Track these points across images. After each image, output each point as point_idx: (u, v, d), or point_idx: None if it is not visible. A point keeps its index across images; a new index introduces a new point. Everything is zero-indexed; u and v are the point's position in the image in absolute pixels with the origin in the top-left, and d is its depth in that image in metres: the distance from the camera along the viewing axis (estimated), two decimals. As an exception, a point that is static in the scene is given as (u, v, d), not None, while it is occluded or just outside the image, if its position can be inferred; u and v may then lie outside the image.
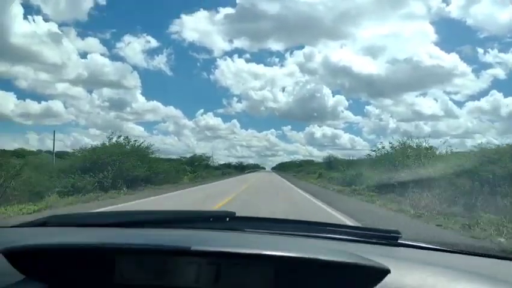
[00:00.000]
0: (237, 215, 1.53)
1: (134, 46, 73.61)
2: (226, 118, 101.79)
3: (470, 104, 67.39)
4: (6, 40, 48.70)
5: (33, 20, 58.96)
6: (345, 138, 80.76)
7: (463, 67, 67.32)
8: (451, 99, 71.87)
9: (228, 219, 1.54)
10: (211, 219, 1.60)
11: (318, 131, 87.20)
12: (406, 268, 0.97)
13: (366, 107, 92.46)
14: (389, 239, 1.39)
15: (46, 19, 75.82)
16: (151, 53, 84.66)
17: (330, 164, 42.94)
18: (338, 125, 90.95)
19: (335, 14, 74.92)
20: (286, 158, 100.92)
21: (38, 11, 73.70)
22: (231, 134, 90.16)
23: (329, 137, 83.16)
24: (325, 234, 1.45)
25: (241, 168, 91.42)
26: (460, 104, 78.95)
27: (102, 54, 74.57)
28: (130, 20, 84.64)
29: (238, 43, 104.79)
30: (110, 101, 75.51)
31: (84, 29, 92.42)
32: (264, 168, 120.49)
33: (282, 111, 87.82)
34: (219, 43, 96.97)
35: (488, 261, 1.31)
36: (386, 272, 0.87)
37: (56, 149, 31.36)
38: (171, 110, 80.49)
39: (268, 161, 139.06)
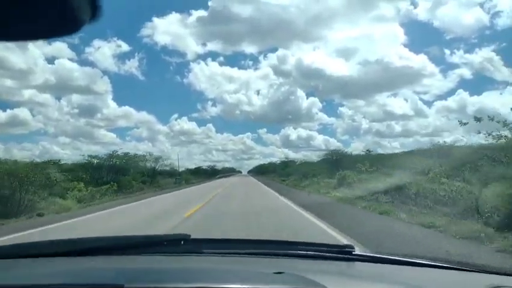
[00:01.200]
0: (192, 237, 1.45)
1: (104, 50, 70.88)
2: (201, 122, 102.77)
3: (439, 104, 69.07)
4: None
5: None
6: (319, 139, 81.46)
7: (431, 68, 69.89)
8: (421, 99, 74.68)
9: (182, 242, 1.51)
10: (165, 243, 1.54)
11: (293, 133, 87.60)
12: (354, 286, 1.00)
13: (340, 108, 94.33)
14: (343, 253, 1.41)
15: None
16: (122, 57, 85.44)
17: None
18: (313, 126, 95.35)
19: (308, 17, 74.54)
20: (262, 161, 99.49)
21: None
22: (206, 138, 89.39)
23: (304, 139, 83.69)
24: (281, 252, 1.47)
25: (212, 173, 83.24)
26: (428, 104, 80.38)
27: (70, 59, 72.68)
28: (99, 23, 67.98)
29: (211, 46, 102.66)
30: (80, 107, 72.24)
31: None
32: (240, 172, 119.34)
33: (257, 114, 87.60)
34: (192, 46, 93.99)
35: (445, 273, 1.32)
36: None
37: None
38: (144, 116, 79.11)
39: (245, 165, 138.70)
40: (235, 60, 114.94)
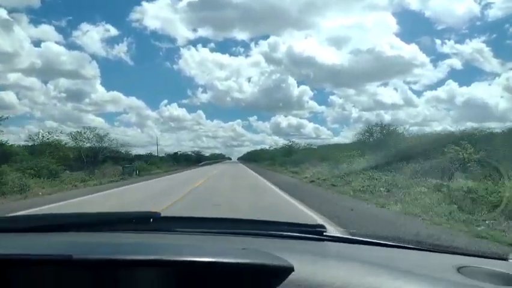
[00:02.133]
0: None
1: (92, 34, 71.46)
2: (191, 109, 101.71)
3: (428, 93, 72.30)
4: None
5: None
6: (309, 127, 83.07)
7: (422, 58, 69.75)
8: (410, 89, 76.99)
9: (151, 220, 1.49)
10: (133, 221, 1.51)
11: (284, 120, 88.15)
12: (320, 264, 1.00)
13: (330, 96, 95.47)
14: (314, 233, 1.42)
15: None
16: (110, 41, 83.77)
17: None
18: (303, 114, 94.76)
19: (300, 4, 75.02)
20: (252, 148, 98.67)
21: None
22: (197, 124, 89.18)
23: (294, 127, 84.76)
24: (252, 231, 1.46)
25: (197, 159, 73.54)
26: (418, 93, 78.64)
27: (57, 43, 71.44)
28: (87, 7, 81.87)
29: (202, 32, 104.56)
30: (67, 91, 71.24)
31: (37, 16, 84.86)
32: (229, 159, 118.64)
33: (248, 102, 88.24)
34: (182, 32, 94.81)
35: (414, 254, 1.35)
36: (290, 270, 0.87)
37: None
38: (133, 101, 77.67)
39: (235, 151, 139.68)
40: (226, 46, 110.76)
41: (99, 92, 72.76)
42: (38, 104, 65.94)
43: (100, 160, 30.96)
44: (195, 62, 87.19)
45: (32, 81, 74.56)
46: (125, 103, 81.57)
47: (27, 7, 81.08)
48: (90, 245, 1.08)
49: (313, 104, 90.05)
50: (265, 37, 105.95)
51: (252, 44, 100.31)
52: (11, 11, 78.21)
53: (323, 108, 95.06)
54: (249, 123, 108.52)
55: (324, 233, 1.41)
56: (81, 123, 71.34)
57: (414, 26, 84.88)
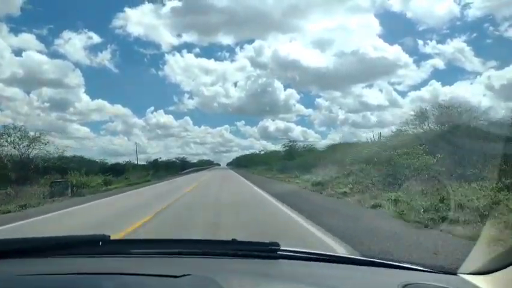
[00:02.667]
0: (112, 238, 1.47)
1: (74, 42, 71.14)
2: (178, 115, 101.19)
3: (412, 94, 71.28)
4: None
5: None
6: (297, 130, 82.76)
7: (405, 58, 71.74)
8: (395, 90, 79.00)
9: (100, 243, 1.45)
10: (81, 245, 1.49)
11: (272, 124, 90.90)
12: (261, 284, 1.04)
13: (317, 99, 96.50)
14: (268, 251, 1.41)
15: None
16: (93, 49, 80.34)
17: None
18: (290, 118, 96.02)
19: (284, 7, 75.98)
20: (241, 154, 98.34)
21: None
22: (184, 131, 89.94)
23: (282, 130, 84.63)
24: (206, 251, 1.45)
25: (181, 166, 65.85)
26: (403, 94, 79.55)
27: (39, 52, 70.57)
28: (68, 14, 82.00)
29: (186, 37, 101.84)
30: (51, 101, 71.42)
31: (17, 24, 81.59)
32: (218, 165, 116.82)
33: (234, 107, 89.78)
34: (167, 37, 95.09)
35: (363, 270, 1.37)
36: None
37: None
38: (119, 109, 78.32)
39: (223, 157, 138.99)
40: (211, 51, 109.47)
41: (83, 100, 71.59)
42: (20, 115, 62.50)
43: (39, 172, 22.12)
44: (180, 68, 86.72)
45: (14, 91, 70.67)
46: (110, 111, 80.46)
47: (6, 15, 76.31)
48: (27, 278, 1.06)
49: (300, 107, 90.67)
50: (250, 41, 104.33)
51: (237, 49, 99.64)
52: None
53: (309, 111, 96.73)
54: (237, 128, 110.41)
55: (278, 251, 1.40)
56: (66, 133, 66.97)
57: (397, 28, 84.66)
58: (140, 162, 51.00)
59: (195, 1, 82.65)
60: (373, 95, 78.31)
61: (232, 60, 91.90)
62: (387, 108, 71.38)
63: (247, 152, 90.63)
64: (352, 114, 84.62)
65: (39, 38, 79.12)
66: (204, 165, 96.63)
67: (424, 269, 1.31)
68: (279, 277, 1.16)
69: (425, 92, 65.92)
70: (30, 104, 64.85)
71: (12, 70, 64.48)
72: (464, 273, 1.23)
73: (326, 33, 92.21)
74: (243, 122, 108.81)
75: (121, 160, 44.09)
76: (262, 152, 70.15)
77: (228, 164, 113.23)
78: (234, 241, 1.53)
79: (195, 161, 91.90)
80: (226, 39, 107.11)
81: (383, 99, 75.40)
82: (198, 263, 1.33)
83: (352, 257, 1.53)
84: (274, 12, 77.12)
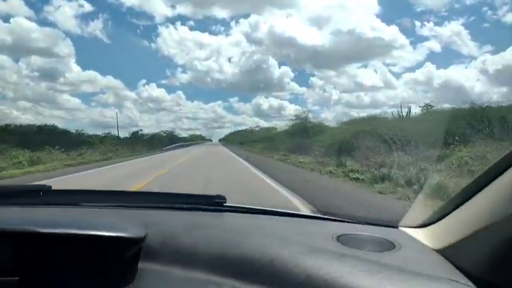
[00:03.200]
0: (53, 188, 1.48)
1: (65, 10, 67.21)
2: (170, 89, 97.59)
3: (407, 76, 70.48)
4: None
5: None
6: (290, 109, 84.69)
7: (402, 39, 69.39)
8: (390, 71, 78.49)
9: (41, 193, 1.44)
10: (21, 194, 1.47)
11: (265, 102, 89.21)
12: (209, 232, 1.03)
13: (311, 78, 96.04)
14: (214, 204, 1.44)
15: None
16: (85, 18, 76.18)
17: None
18: (284, 96, 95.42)
19: None
20: (233, 130, 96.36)
21: None
22: (176, 106, 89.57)
23: (275, 108, 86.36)
24: (151, 204, 1.46)
25: (169, 141, 58.34)
26: (397, 76, 79.70)
27: (28, 18, 66.03)
28: None
29: (180, 9, 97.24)
30: (40, 70, 67.37)
31: None
32: (210, 141, 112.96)
33: (228, 83, 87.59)
34: (160, 8, 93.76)
35: (306, 222, 1.43)
36: (140, 239, 0.91)
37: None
38: (110, 80, 76.24)
39: (216, 133, 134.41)
40: (205, 25, 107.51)
41: (74, 71, 70.31)
42: (9, 83, 61.65)
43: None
44: (174, 40, 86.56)
45: (2, 59, 66.90)
46: (101, 83, 79.51)
47: None
48: None
49: (294, 85, 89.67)
50: (246, 16, 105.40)
51: (233, 23, 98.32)
52: None
53: (303, 89, 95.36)
54: (230, 104, 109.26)
55: (224, 204, 1.43)
56: (56, 104, 66.74)
57: (395, 7, 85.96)
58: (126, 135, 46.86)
59: (191, -29, 77.70)
60: (368, 76, 77.53)
61: (227, 35, 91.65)
62: (381, 89, 72.12)
63: (240, 129, 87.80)
64: (346, 94, 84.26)
65: (28, 4, 79.43)
66: (196, 140, 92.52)
67: (364, 222, 1.33)
68: (219, 226, 1.21)
69: (419, 74, 69.50)
70: (19, 73, 62.66)
71: (1, 37, 61.13)
72: (404, 227, 1.25)
73: (324, 10, 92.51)
74: (236, 98, 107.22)
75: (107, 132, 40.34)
76: (257, 129, 66.71)
77: (221, 140, 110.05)
78: (179, 194, 1.55)
79: (186, 135, 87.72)
80: (221, 13, 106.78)
81: (377, 80, 75.25)
82: (137, 214, 1.32)
83: (295, 212, 1.53)
84: None
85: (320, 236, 1.12)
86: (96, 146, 30.29)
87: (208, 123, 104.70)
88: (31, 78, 67.36)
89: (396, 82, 72.37)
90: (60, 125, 29.56)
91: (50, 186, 1.46)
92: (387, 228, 1.26)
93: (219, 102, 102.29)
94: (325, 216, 1.43)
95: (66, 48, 70.45)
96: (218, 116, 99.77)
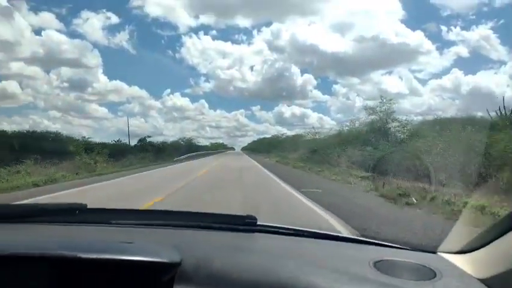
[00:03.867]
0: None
1: (93, 22, 66.51)
2: (194, 98, 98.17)
3: (433, 82, 70.04)
4: None
5: None
6: (313, 117, 78.33)
7: (428, 45, 64.66)
8: (416, 78, 76.13)
9: (77, 211, 1.48)
10: (59, 213, 1.53)
11: (287, 110, 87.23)
12: (239, 256, 1.03)
13: (334, 85, 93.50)
14: (245, 224, 1.41)
15: None
16: (112, 29, 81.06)
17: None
18: (307, 104, 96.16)
19: None
20: (255, 138, 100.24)
21: None
22: (200, 114, 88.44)
23: (298, 117, 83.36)
24: (183, 223, 1.47)
25: (187, 149, 51.78)
26: (423, 82, 74.10)
27: (58, 31, 71.38)
28: None
29: (204, 19, 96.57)
30: (69, 81, 70.38)
31: (37, 3, 73.34)
32: (232, 149, 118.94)
33: (251, 91, 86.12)
34: (184, 19, 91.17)
35: (337, 245, 1.36)
36: (176, 264, 0.91)
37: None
38: (136, 90, 75.42)
39: (238, 142, 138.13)
40: (228, 34, 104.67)
41: (101, 81, 69.54)
42: (40, 94, 64.91)
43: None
44: (197, 50, 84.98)
45: (34, 70, 71.32)
46: (127, 92, 79.70)
47: None
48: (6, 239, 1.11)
49: (317, 93, 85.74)
50: (268, 24, 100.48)
51: (255, 32, 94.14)
52: None
53: (326, 97, 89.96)
54: (252, 113, 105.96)
55: (255, 224, 1.40)
56: (84, 113, 69.72)
57: (420, 12, 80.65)
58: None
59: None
60: (392, 83, 72.69)
61: (249, 44, 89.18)
62: (406, 96, 66.97)
63: (263, 137, 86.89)
64: (370, 102, 74.75)
65: (59, 17, 80.00)
66: (218, 148, 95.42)
67: (401, 247, 1.30)
68: (252, 249, 1.19)
69: (446, 81, 66.06)
70: (50, 84, 63.61)
71: (33, 49, 62.64)
72: (443, 252, 1.21)
73: (347, 17, 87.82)
74: (259, 106, 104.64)
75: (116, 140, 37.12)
76: (284, 136, 61.01)
77: (244, 149, 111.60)
78: (209, 214, 1.55)
79: (207, 143, 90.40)
80: (243, 22, 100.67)
81: (402, 86, 69.51)
82: (169, 234, 1.34)
83: (328, 233, 1.46)
84: None
85: (355, 261, 1.10)
86: (80, 155, 22.48)
87: (230, 131, 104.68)
88: (61, 89, 69.79)
89: (422, 89, 68.87)
90: (88, 133, 27.83)
91: (86, 205, 1.48)
92: (426, 253, 1.23)
93: (242, 110, 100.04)
94: (361, 239, 1.40)
95: (94, 59, 70.01)
96: (240, 125, 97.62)
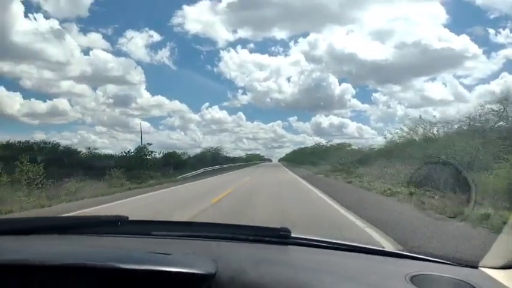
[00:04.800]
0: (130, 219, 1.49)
1: (136, 41, 73.35)
2: (231, 111, 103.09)
3: (481, 88, 61.70)
4: (8, 39, 49.60)
5: (34, 18, 56.70)
6: (352, 127, 79.07)
7: (474, 49, 64.37)
8: (461, 83, 72.48)
9: (119, 223, 1.53)
10: (101, 224, 1.58)
11: (325, 120, 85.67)
12: (262, 268, 1.02)
13: (374, 94, 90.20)
14: (279, 237, 1.41)
15: (47, 16, 71.47)
16: (154, 47, 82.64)
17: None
18: (345, 113, 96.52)
19: None
20: (293, 149, 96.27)
21: (38, 9, 70.67)
22: (237, 126, 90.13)
23: (336, 126, 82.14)
24: (218, 234, 1.48)
25: (212, 160, 45.49)
26: (469, 88, 69.22)
27: (105, 50, 77.33)
28: (131, 14, 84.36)
29: (241, 33, 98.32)
30: (115, 97, 73.51)
31: (86, 24, 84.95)
32: (269, 161, 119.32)
33: (287, 102, 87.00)
34: (223, 34, 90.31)
35: (377, 259, 1.32)
36: (212, 276, 0.93)
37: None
38: (176, 105, 78.71)
39: (276, 153, 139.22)
40: (265, 46, 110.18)
41: (144, 96, 74.23)
42: (88, 110, 68.74)
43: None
44: (235, 63, 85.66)
45: (83, 88, 77.38)
46: (168, 107, 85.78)
47: (76, 17, 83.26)
48: (53, 250, 1.15)
49: (355, 102, 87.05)
50: (305, 35, 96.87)
51: (292, 43, 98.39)
52: (62, 21, 77.22)
53: (366, 106, 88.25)
54: (289, 123, 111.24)
55: (289, 237, 1.39)
56: (128, 128, 72.45)
57: (465, 16, 75.55)
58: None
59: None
60: (436, 89, 73.04)
61: (286, 55, 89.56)
62: (451, 103, 66.05)
63: (302, 146, 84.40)
64: (412, 110, 78.59)
65: (105, 37, 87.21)
66: (253, 159, 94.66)
67: (440, 261, 1.26)
68: (287, 262, 1.18)
69: (494, 86, 57.92)
70: (97, 100, 69.24)
71: (81, 68, 69.80)
72: (485, 267, 1.17)
73: (387, 24, 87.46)
74: (296, 117, 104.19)
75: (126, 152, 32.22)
76: (328, 144, 54.54)
77: (281, 160, 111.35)
78: (244, 226, 1.56)
79: (243, 154, 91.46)
80: (280, 34, 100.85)
81: (447, 93, 69.23)
82: (205, 246, 1.36)
83: (364, 246, 1.41)
84: (330, 4, 73.80)
85: (392, 275, 1.09)
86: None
87: (267, 143, 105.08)
88: (107, 105, 72.63)
89: (469, 95, 64.73)
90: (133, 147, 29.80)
91: (127, 217, 1.52)
92: (467, 268, 1.20)
93: (278, 121, 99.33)
94: (398, 252, 1.38)
95: (137, 75, 74.24)
96: (277, 136, 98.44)
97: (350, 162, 24.88)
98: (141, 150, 28.19)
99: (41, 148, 24.53)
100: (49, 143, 26.75)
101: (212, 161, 43.91)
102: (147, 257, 1.05)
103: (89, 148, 29.38)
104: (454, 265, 1.20)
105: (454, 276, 1.03)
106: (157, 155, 34.23)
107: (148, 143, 29.95)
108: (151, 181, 20.86)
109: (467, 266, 1.19)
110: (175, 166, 31.37)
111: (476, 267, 1.17)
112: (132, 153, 28.39)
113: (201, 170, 31.53)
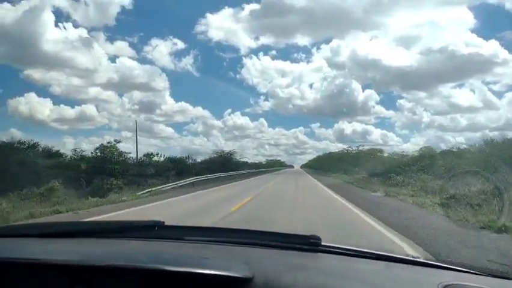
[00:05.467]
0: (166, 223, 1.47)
1: (161, 48, 76.52)
2: (253, 117, 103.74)
3: (511, 94, 58.70)
4: (39, 47, 53.72)
5: (64, 27, 61.37)
6: (376, 134, 78.01)
7: (504, 54, 63.75)
8: (490, 90, 70.57)
9: (156, 228, 1.57)
10: (139, 229, 1.63)
11: (348, 127, 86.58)
12: (304, 276, 1.04)
13: (399, 100, 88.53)
14: (310, 244, 1.42)
15: (76, 25, 76.42)
16: (178, 54, 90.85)
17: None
18: (369, 120, 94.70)
19: (365, 4, 70.51)
20: (315, 156, 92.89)
21: (68, 18, 77.96)
22: (259, 132, 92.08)
23: (360, 133, 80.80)
24: (248, 241, 1.50)
25: (222, 166, 38.39)
26: (499, 94, 66.61)
27: (131, 58, 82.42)
28: (156, 22, 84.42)
29: (264, 40, 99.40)
30: (140, 103, 75.55)
31: (112, 33, 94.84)
32: (291, 167, 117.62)
33: (310, 108, 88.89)
34: (245, 41, 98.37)
35: (404, 268, 1.32)
36: (249, 280, 0.96)
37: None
38: (199, 111, 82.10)
39: (297, 159, 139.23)
40: (287, 53, 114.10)
41: (168, 103, 78.98)
42: (114, 116, 72.71)
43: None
44: (257, 70, 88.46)
45: (109, 94, 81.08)
46: (192, 113, 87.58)
47: (104, 26, 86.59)
48: (95, 252, 1.24)
49: (379, 108, 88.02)
50: (328, 41, 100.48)
51: (314, 49, 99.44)
52: (90, 30, 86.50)
53: (390, 113, 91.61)
54: (311, 130, 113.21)
55: (319, 244, 1.40)
56: (153, 134, 74.76)
57: (494, 21, 74.68)
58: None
59: (273, 2, 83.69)
60: (464, 96, 74.06)
61: (309, 61, 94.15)
62: (480, 110, 67.53)
63: (327, 152, 79.65)
64: (439, 117, 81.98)
65: (131, 45, 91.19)
66: (273, 166, 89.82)
67: (473, 271, 1.25)
68: (318, 269, 1.19)
69: None
70: (123, 106, 71.90)
71: (108, 75, 72.16)
72: None
73: (412, 30, 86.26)
74: (318, 124, 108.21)
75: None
76: (361, 148, 46.42)
77: (304, 166, 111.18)
78: (276, 233, 1.56)
79: (263, 161, 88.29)
80: (302, 40, 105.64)
81: (475, 100, 70.62)
82: (239, 251, 1.40)
83: (395, 256, 1.41)
84: (354, 10, 72.78)
85: (422, 285, 1.09)
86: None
87: (289, 149, 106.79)
88: (132, 111, 74.73)
89: (499, 102, 67.18)
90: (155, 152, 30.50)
91: (164, 222, 1.56)
92: (501, 279, 1.19)
93: (301, 128, 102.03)
94: (429, 262, 1.36)
95: (162, 82, 77.55)
96: (299, 142, 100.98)
97: (387, 171, 21.95)
98: (104, 149, 21.12)
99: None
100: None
101: (221, 167, 36.81)
102: (189, 260, 1.12)
103: (75, 150, 25.63)
104: (487, 276, 1.20)
105: (487, 287, 1.04)
106: (160, 159, 31.01)
107: (115, 140, 24.25)
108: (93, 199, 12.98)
109: (501, 277, 1.20)
110: (178, 172, 28.13)
111: (509, 278, 1.19)
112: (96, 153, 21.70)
113: (221, 174, 28.94)
